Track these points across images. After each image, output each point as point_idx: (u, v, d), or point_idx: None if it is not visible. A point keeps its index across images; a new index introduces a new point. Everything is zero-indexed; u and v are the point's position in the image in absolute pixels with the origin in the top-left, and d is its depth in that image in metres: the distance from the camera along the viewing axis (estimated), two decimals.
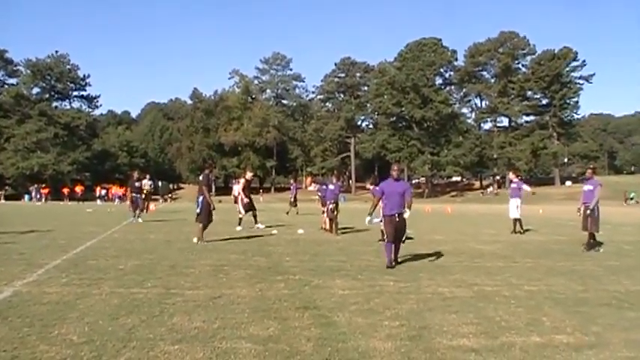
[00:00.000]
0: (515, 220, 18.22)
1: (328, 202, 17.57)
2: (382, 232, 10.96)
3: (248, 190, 18.67)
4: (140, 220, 21.22)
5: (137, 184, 22.01)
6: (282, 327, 5.70)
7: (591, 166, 14.91)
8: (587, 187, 13.56)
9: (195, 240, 13.67)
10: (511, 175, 20.70)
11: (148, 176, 31.46)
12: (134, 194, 21.72)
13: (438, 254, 12.26)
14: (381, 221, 11.20)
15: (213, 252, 11.97)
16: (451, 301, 7.21)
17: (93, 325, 5.65)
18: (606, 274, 9.77)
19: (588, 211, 13.26)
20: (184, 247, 12.90)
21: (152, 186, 32.25)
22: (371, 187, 16.14)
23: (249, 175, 19.54)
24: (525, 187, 18.84)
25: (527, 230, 18.36)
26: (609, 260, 11.85)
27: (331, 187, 17.86)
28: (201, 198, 13.97)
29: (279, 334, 5.45)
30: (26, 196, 65.19)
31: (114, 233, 16.68)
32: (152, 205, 31.79)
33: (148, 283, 8.10)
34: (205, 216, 13.88)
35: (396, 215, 10.13)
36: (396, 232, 10.25)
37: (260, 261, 10.75)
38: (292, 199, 31.06)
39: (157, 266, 9.74)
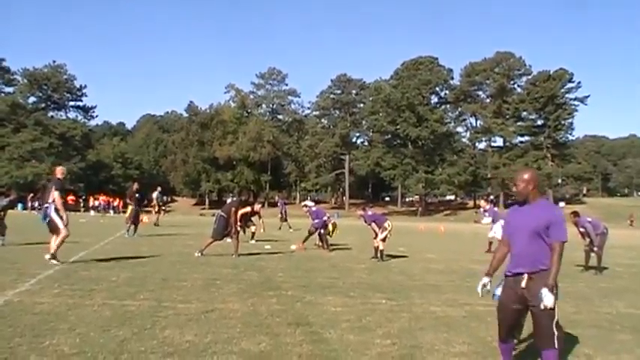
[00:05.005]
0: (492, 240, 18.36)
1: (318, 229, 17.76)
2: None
3: (246, 218, 18.72)
4: (127, 234, 20.14)
5: (137, 195, 21.42)
6: (273, 343, 5.69)
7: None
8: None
9: (196, 253, 13.77)
10: (482, 203, 20.75)
11: (159, 188, 31.41)
12: (134, 207, 20.91)
13: (431, 273, 12.26)
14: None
15: (206, 266, 11.95)
16: (443, 320, 7.21)
17: (84, 336, 5.64)
18: (598, 296, 9.80)
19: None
20: (177, 260, 12.88)
21: (160, 199, 31.89)
22: (362, 213, 15.68)
23: (257, 207, 19.78)
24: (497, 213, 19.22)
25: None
26: (601, 282, 11.89)
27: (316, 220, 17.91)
28: (219, 214, 14.43)
29: (271, 349, 5.45)
30: (19, 205, 64.87)
31: (107, 244, 16.64)
32: (145, 218, 31.63)
33: (140, 295, 8.08)
34: (219, 232, 14.12)
35: (526, 277, 4.69)
36: (521, 316, 4.99)
37: (252, 276, 10.74)
38: (281, 215, 31.38)
39: (150, 279, 9.72)
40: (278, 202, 34.68)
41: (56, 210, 11.33)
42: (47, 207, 11.35)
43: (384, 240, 14.62)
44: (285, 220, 30.76)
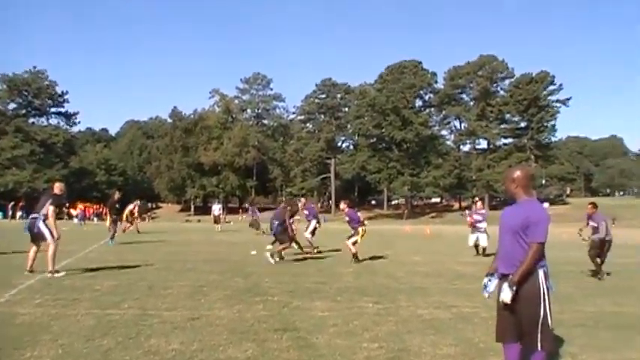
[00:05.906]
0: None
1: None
2: None
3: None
4: (110, 242, 19.85)
5: (118, 205, 21.54)
6: (260, 349, 5.65)
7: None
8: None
9: (273, 258, 14.18)
10: (479, 205, 20.20)
11: (138, 202, 31.31)
12: (114, 215, 21.19)
13: (417, 276, 12.26)
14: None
15: (192, 272, 11.89)
16: (430, 322, 7.21)
17: (67, 347, 5.57)
18: (582, 296, 9.85)
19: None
20: (162, 267, 12.79)
21: (144, 207, 31.84)
22: (346, 210, 15.42)
23: (300, 204, 18.01)
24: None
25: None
26: (585, 282, 11.96)
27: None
28: (276, 223, 15.12)
29: (258, 356, 5.42)
30: (0, 214, 64.15)
31: (90, 252, 16.50)
32: (130, 227, 31.39)
33: (124, 303, 8.01)
34: (285, 236, 14.98)
35: (509, 280, 4.40)
36: (512, 318, 4.45)
37: (239, 282, 10.68)
38: (254, 221, 31.91)
39: (134, 287, 9.64)
40: (248, 208, 35.53)
41: (44, 222, 11.20)
42: (37, 218, 11.22)
43: (354, 243, 14.78)
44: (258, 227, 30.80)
